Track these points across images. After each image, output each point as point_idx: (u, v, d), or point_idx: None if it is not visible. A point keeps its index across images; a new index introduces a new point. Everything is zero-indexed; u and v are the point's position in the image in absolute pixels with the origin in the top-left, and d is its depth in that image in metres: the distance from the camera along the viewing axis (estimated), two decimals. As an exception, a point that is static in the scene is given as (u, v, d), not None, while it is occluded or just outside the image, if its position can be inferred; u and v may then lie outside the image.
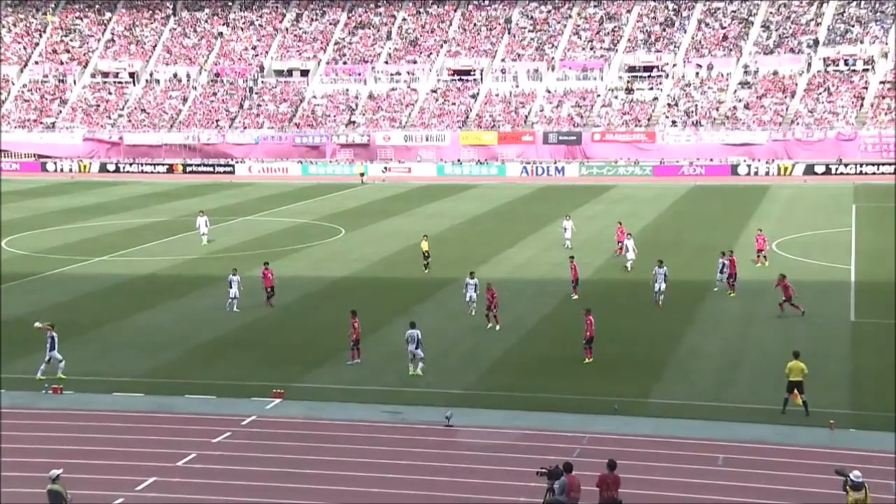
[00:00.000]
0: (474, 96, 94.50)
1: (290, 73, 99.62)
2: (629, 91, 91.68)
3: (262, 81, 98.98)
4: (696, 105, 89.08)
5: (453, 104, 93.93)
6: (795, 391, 25.09)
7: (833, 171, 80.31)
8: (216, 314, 37.02)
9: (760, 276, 41.22)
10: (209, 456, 23.33)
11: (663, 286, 36.47)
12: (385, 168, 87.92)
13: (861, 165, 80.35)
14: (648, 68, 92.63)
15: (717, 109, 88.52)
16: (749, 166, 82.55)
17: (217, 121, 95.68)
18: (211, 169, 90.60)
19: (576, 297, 38.44)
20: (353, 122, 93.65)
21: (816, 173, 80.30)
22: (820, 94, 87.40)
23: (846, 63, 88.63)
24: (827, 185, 74.23)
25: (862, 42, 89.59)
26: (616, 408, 26.03)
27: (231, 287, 37.25)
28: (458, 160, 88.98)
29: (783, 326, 34.05)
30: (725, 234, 52.57)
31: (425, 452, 23.40)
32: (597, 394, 27.27)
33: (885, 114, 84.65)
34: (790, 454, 22.81)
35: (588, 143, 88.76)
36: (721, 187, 75.37)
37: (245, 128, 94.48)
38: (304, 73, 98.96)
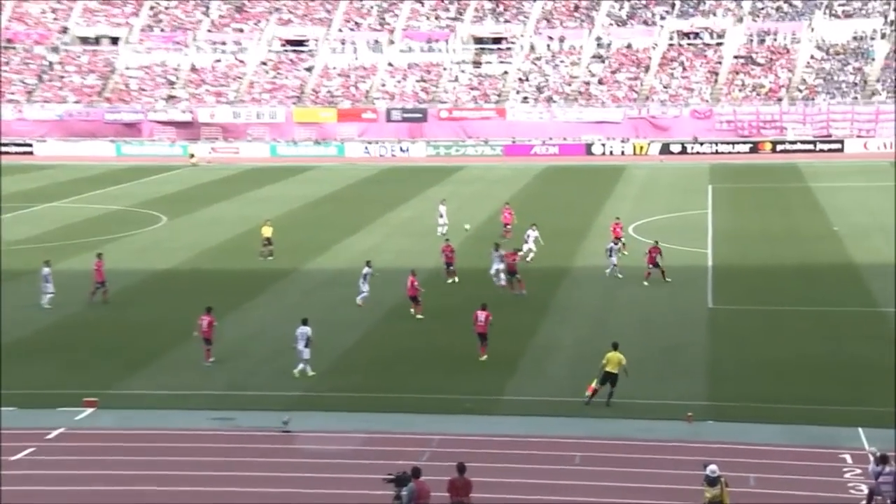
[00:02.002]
0: (309, 69, 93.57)
1: (97, 40, 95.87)
2: (477, 64, 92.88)
3: (65, 49, 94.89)
4: (548, 80, 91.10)
5: (286, 78, 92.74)
6: (595, 383, 26.14)
7: (689, 151, 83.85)
8: (19, 313, 35.36)
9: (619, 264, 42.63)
10: (8, 476, 22.27)
11: (500, 266, 37.05)
12: (212, 149, 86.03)
13: (716, 144, 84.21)
14: (497, 40, 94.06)
15: (570, 85, 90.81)
16: (604, 146, 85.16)
17: (12, 94, 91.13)
18: (5, 149, 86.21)
19: (451, 280, 39.49)
20: (174, 97, 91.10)
21: (672, 153, 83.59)
22: (674, 68, 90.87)
23: (699, 36, 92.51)
24: (683, 165, 77.43)
25: (715, 14, 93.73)
26: (468, 406, 26.35)
27: (47, 282, 35.90)
28: (293, 140, 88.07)
29: (640, 315, 35.29)
30: (581, 217, 54.06)
31: (260, 462, 23.07)
32: (447, 392, 27.55)
33: (740, 90, 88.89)
34: (649, 450, 23.66)
35: (434, 121, 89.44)
36: (575, 168, 77.46)
37: (45, 102, 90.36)
38: (115, 40, 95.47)
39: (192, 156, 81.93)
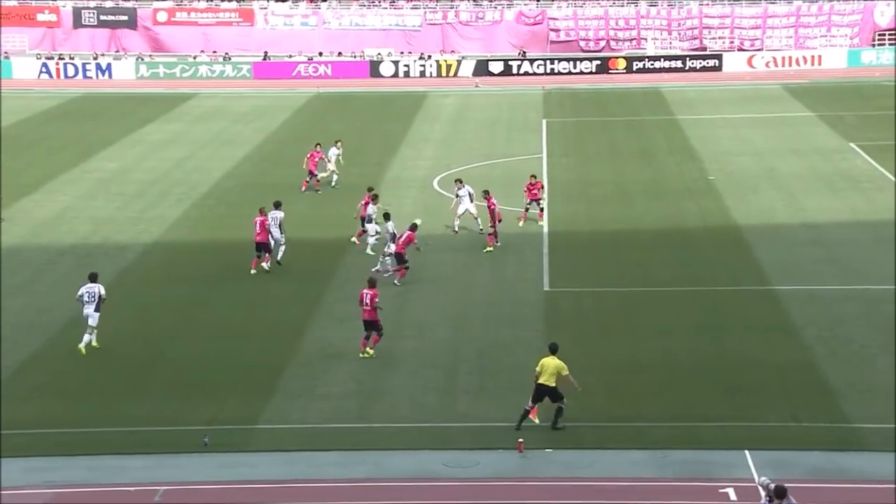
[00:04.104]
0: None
1: None
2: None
3: None
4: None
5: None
6: (534, 404, 26.70)
7: (514, 71, 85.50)
8: None
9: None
10: None
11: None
12: None
13: (552, 62, 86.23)
14: None
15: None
16: (396, 64, 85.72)
17: None
18: None
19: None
20: None
21: (492, 73, 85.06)
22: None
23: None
24: (507, 92, 78.88)
25: None
26: (206, 442, 26.21)
27: None
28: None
29: (451, 304, 35.84)
30: (365, 167, 54.33)
31: None
32: (177, 422, 27.30)
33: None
34: (465, 492, 24.11)
35: (148, 27, 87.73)
36: (356, 96, 77.65)
37: None
38: None
39: None
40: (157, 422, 27.41)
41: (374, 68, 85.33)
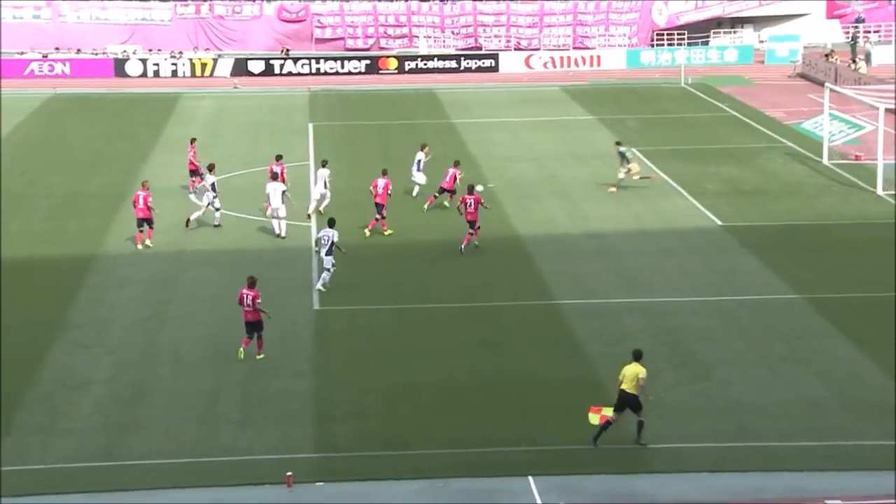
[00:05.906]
0: None
1: None
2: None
3: None
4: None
5: None
6: (600, 410, 27.16)
7: (277, 70, 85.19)
8: None
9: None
10: None
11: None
12: None
13: (318, 61, 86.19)
14: None
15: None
16: (144, 62, 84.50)
17: None
18: None
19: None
20: None
21: (252, 73, 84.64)
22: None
23: None
24: (269, 93, 78.58)
25: None
26: (-69, 488, 25.30)
27: None
28: None
29: (206, 328, 35.40)
30: (110, 176, 53.48)
31: None
32: None
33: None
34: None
35: None
36: (99, 98, 76.30)
37: None
38: None
39: None
40: None
41: (119, 67, 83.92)
